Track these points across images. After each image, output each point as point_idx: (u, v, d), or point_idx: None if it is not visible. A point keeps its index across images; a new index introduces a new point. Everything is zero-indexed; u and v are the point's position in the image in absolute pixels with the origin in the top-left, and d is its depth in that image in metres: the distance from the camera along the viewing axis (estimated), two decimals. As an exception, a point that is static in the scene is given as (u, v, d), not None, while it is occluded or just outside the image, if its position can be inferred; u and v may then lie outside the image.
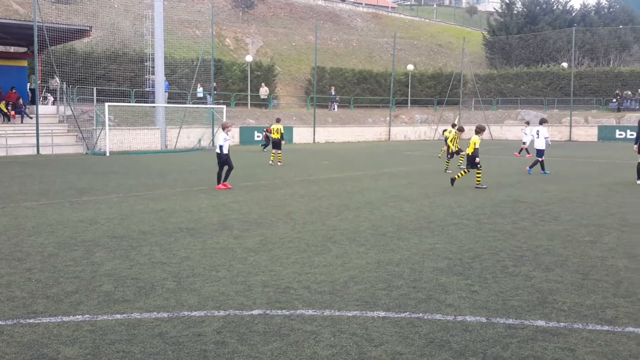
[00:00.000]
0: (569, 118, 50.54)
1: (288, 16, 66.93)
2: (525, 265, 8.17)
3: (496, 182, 17.77)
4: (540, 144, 21.23)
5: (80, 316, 6.02)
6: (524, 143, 30.68)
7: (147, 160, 27.19)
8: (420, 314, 6.13)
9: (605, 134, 48.79)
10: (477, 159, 16.95)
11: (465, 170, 17.44)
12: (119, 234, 10.12)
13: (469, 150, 17.14)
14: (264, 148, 34.39)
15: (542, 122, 22.19)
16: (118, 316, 6.02)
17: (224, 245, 9.34)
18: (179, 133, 36.85)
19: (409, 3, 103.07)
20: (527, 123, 33.46)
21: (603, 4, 74.42)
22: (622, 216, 12.25)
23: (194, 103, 40.87)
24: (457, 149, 21.57)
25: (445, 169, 21.88)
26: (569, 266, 8.14)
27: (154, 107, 36.81)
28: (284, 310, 6.21)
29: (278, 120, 26.24)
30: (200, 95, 42.53)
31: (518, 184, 17.94)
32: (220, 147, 16.40)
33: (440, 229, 10.79)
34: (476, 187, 16.71)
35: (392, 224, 11.28)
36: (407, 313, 6.16)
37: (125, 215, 12.03)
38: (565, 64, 58.94)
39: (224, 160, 16.42)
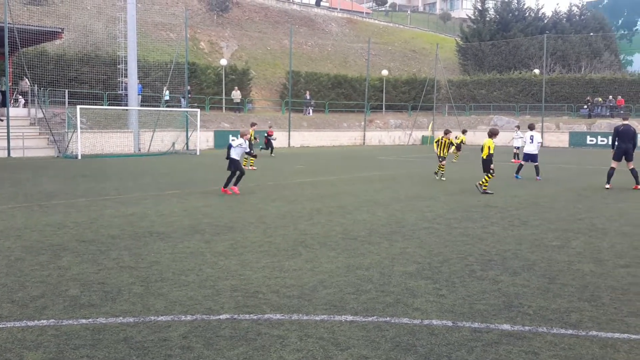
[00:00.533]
0: (541, 124, 51.18)
1: (263, 20, 66.88)
2: (492, 269, 8.25)
3: (468, 187, 17.91)
4: (532, 149, 21.25)
5: (45, 321, 5.96)
6: (517, 148, 30.68)
7: (119, 164, 26.95)
8: (388, 318, 6.16)
9: (577, 140, 49.54)
10: (492, 165, 16.96)
11: (489, 175, 17.11)
12: (88, 238, 10.01)
13: (484, 154, 17.11)
14: (272, 152, 33.47)
15: (532, 127, 22.18)
16: (83, 321, 5.96)
17: (195, 249, 9.29)
18: (152, 136, 36.59)
19: (383, 9, 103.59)
20: (518, 127, 33.63)
21: (574, 11, 75.44)
22: (590, 221, 12.42)
23: (166, 106, 40.61)
24: (444, 155, 20.96)
25: (438, 174, 21.12)
26: (536, 270, 8.23)
27: (127, 110, 36.55)
28: (251, 315, 6.20)
29: (252, 125, 26.20)
30: (167, 98, 42.02)
31: (488, 188, 18.07)
32: (230, 149, 16.35)
33: (411, 233, 10.85)
34: (483, 193, 16.72)
35: (363, 228, 11.32)
36: (375, 317, 6.18)
37: (95, 219, 11.91)
38: (537, 71, 59.70)
39: (237, 166, 16.32)
